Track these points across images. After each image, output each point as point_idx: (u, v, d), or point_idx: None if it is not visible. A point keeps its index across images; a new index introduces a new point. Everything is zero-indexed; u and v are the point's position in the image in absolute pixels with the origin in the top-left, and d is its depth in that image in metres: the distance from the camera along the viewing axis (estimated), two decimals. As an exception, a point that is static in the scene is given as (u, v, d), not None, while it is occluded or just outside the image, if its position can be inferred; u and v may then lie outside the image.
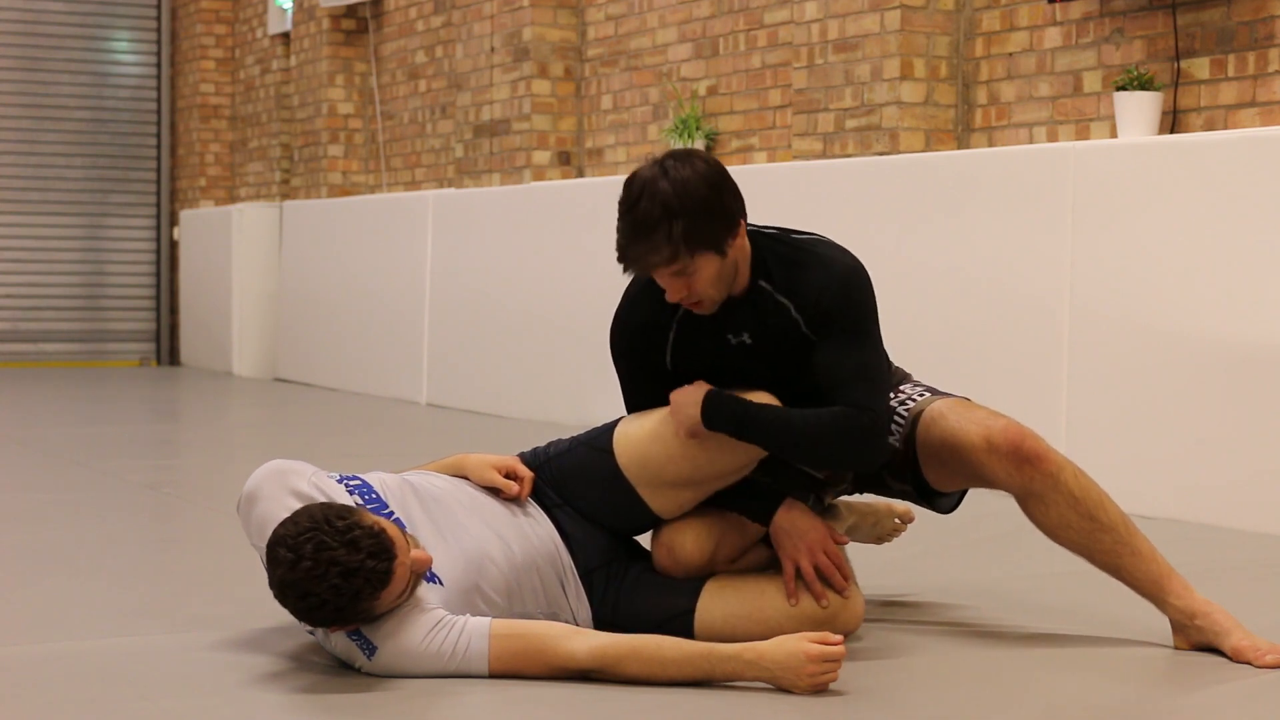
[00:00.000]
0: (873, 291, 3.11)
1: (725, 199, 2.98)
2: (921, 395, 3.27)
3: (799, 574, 3.10)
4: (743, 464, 3.12)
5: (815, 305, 3.05)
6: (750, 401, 3.05)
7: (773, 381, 3.13)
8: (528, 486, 3.20)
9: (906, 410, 3.22)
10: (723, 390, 3.07)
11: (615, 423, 3.22)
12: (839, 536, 3.18)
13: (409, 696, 2.78)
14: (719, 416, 3.03)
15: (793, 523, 3.09)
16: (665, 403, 3.15)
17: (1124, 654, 3.15)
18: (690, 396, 3.06)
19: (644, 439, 3.13)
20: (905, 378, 3.37)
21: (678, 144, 7.48)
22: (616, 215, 3.01)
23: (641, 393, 3.23)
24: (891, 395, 3.24)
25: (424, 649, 2.86)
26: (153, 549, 4.56)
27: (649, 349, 3.19)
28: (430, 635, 2.87)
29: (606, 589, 3.17)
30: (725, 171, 3.02)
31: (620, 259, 3.03)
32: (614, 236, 3.05)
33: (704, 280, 3.01)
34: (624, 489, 3.13)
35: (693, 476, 3.10)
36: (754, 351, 3.12)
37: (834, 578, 3.09)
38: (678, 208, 2.93)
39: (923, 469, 3.21)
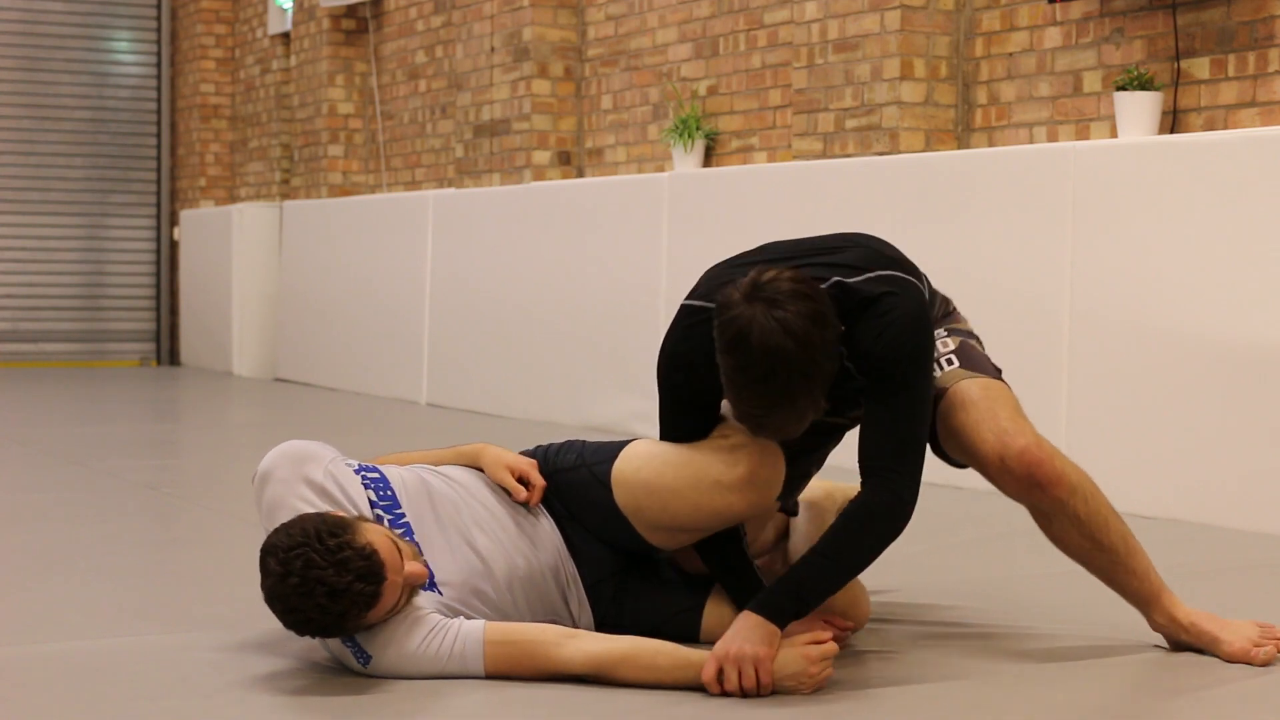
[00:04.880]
0: (927, 340, 2.98)
1: (831, 330, 2.83)
2: (950, 364, 3.14)
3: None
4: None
5: (866, 356, 2.94)
6: (796, 585, 2.89)
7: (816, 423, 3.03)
8: (537, 495, 3.15)
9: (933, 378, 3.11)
10: (760, 602, 2.88)
11: (620, 448, 3.14)
12: (841, 623, 3.13)
13: (409, 697, 2.78)
14: (784, 620, 2.88)
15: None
16: (701, 432, 3.07)
17: (1123, 654, 3.15)
18: (746, 639, 2.82)
19: (639, 486, 3.06)
20: (947, 314, 3.24)
21: (677, 144, 7.47)
22: (731, 365, 2.81)
23: (678, 422, 3.12)
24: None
25: (419, 655, 2.86)
26: (153, 549, 4.56)
27: (695, 382, 3.05)
28: (425, 642, 2.86)
29: (613, 597, 3.16)
30: (821, 292, 2.86)
31: (757, 429, 2.88)
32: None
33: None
34: (621, 523, 3.10)
35: (686, 525, 3.06)
36: None
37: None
38: (812, 371, 2.78)
39: (939, 437, 3.15)
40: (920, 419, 2.96)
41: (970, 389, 3.10)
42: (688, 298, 3.09)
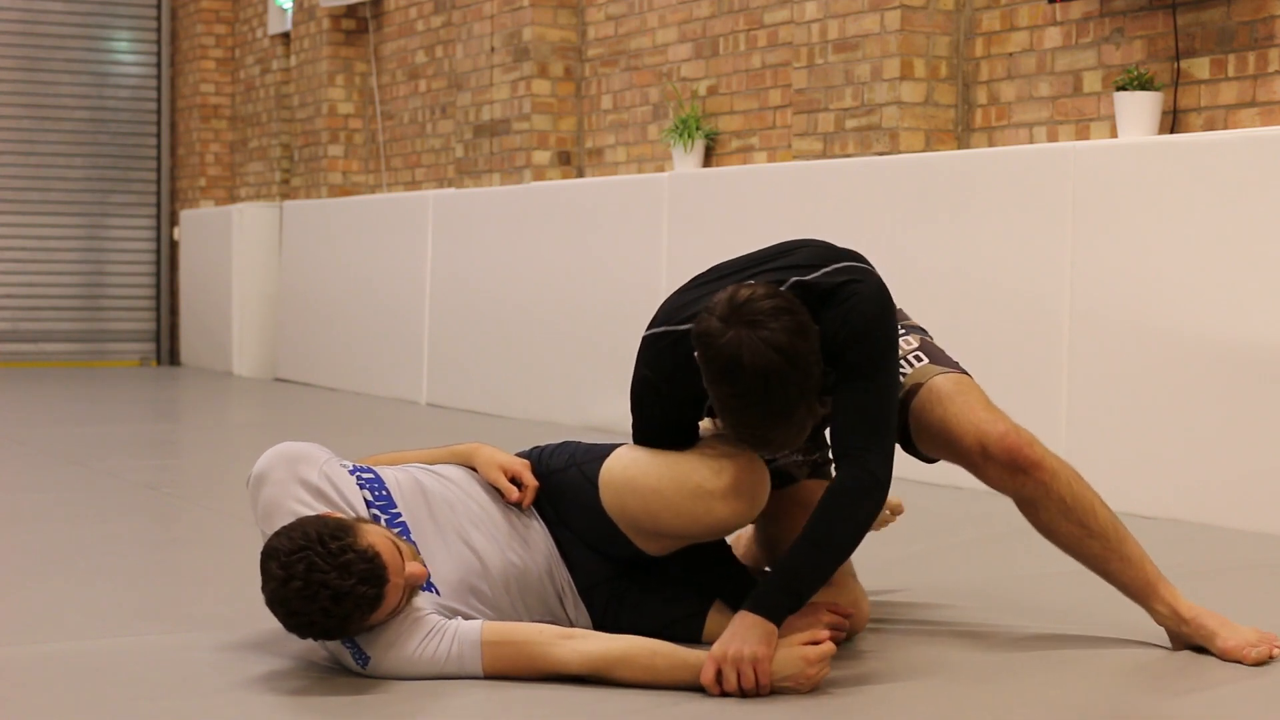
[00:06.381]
0: (891, 320, 2.99)
1: (813, 339, 2.85)
2: (919, 360, 3.18)
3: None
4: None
5: (833, 341, 2.94)
6: (787, 580, 2.89)
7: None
8: (530, 496, 3.14)
9: (903, 375, 3.14)
10: (755, 601, 2.87)
11: (609, 450, 3.14)
12: (839, 608, 3.14)
13: (408, 697, 2.79)
14: (780, 617, 2.88)
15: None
16: (673, 447, 3.08)
17: (1123, 654, 3.15)
18: (744, 640, 2.82)
19: (624, 486, 3.05)
20: (901, 318, 3.27)
21: (677, 144, 7.47)
22: (727, 392, 2.83)
23: (652, 438, 3.13)
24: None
25: (416, 657, 2.86)
26: (152, 549, 4.56)
27: (670, 397, 3.07)
28: (422, 644, 2.86)
29: (608, 603, 3.15)
30: (797, 302, 2.88)
31: (761, 446, 2.93)
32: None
33: None
34: (608, 525, 3.09)
35: (668, 530, 3.05)
36: None
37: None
38: (805, 382, 2.83)
39: (914, 437, 3.17)
40: (889, 398, 2.98)
41: (944, 383, 3.14)
42: (649, 328, 3.09)
